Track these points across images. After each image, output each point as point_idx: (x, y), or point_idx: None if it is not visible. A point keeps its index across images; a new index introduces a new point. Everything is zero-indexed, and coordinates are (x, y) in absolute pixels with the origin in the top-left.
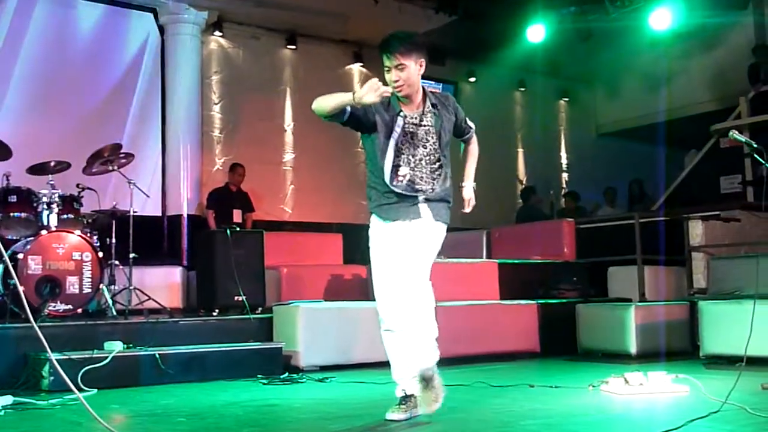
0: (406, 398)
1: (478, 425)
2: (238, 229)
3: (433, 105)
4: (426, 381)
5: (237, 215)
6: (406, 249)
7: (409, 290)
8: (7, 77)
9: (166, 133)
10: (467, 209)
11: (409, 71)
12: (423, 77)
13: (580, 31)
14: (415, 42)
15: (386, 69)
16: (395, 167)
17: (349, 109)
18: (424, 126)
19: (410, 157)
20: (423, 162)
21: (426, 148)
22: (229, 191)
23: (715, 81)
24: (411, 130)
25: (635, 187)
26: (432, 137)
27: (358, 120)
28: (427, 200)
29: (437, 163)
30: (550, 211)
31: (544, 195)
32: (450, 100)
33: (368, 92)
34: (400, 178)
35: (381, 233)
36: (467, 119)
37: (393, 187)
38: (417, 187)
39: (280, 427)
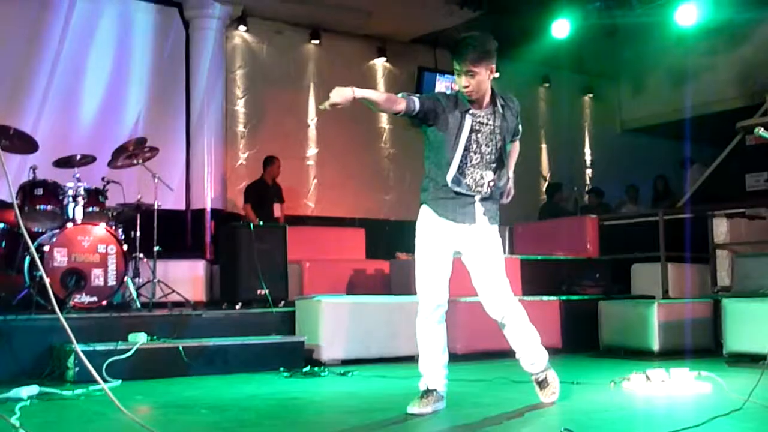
0: (428, 392)
1: (498, 420)
2: (261, 224)
3: (501, 106)
4: (540, 383)
5: (277, 209)
6: (471, 256)
7: (498, 301)
8: (34, 72)
9: (190, 127)
10: (506, 200)
11: (479, 78)
12: (446, 72)
13: (605, 26)
14: (487, 50)
15: (456, 72)
16: (459, 165)
17: (417, 104)
18: (490, 125)
19: (474, 155)
20: (484, 161)
21: (489, 147)
22: (265, 184)
23: (741, 77)
24: (477, 128)
25: (660, 183)
26: (496, 137)
27: (426, 114)
28: (482, 200)
29: (496, 163)
30: (575, 207)
31: (569, 192)
32: (515, 103)
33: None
34: (461, 177)
35: (432, 227)
36: (520, 123)
37: (452, 185)
38: (476, 187)
39: (301, 421)
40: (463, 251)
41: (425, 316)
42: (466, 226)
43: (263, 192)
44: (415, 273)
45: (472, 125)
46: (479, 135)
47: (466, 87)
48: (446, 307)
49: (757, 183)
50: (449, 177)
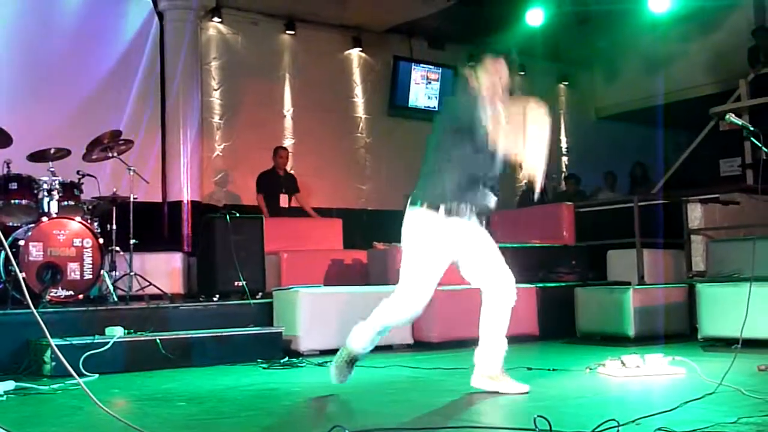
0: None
1: (474, 408)
2: (237, 215)
3: None
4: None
5: (284, 200)
6: (477, 246)
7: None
8: (5, 64)
9: (165, 119)
10: None
11: None
12: (421, 62)
13: (579, 14)
14: None
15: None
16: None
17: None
18: None
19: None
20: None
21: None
22: (276, 175)
23: (714, 63)
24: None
25: (638, 170)
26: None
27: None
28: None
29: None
30: (553, 196)
31: (548, 180)
32: None
33: None
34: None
35: (441, 233)
36: None
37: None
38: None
39: (278, 411)
40: (466, 247)
41: (405, 321)
42: (467, 222)
43: (273, 182)
44: (408, 272)
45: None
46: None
47: None
48: None
49: (731, 168)
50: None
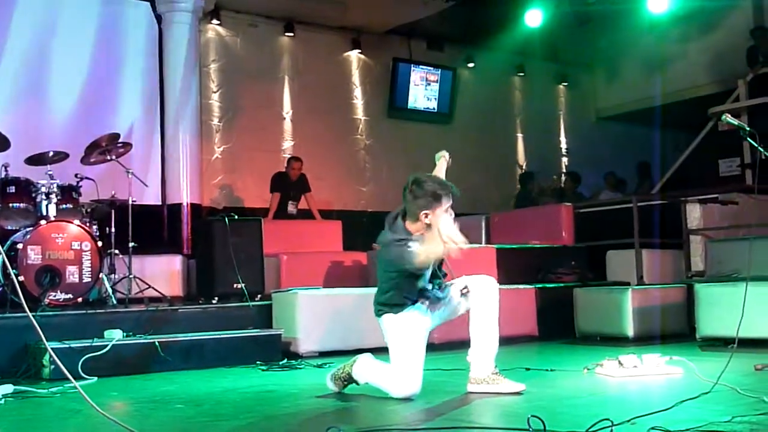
0: None
1: (472, 408)
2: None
3: None
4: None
5: (291, 206)
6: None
7: None
8: (3, 67)
9: (165, 122)
10: None
11: None
12: (420, 63)
13: (578, 15)
14: None
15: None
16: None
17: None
18: None
19: None
20: None
21: None
22: (289, 177)
23: (713, 64)
24: None
25: (644, 170)
26: None
27: None
28: None
29: None
30: (555, 197)
31: (548, 182)
32: None
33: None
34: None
35: (422, 321)
36: None
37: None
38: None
39: (277, 413)
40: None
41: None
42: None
43: (285, 184)
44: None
45: None
46: None
47: None
48: None
49: (729, 168)
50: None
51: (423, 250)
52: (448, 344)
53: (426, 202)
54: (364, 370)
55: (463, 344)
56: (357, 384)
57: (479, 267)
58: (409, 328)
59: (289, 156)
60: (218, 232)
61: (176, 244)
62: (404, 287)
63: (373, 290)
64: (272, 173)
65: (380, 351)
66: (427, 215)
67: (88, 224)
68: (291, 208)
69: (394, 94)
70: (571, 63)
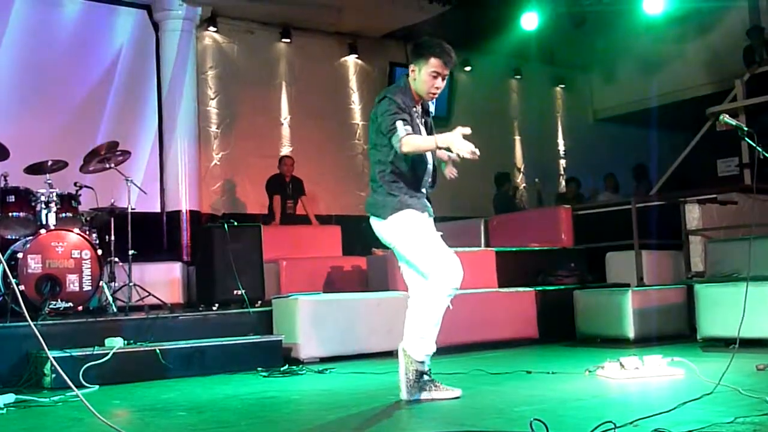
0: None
1: (473, 412)
2: (235, 223)
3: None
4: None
5: (289, 206)
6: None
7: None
8: (1, 77)
9: (163, 129)
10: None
11: None
12: None
13: (574, 17)
14: None
15: (434, 74)
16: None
17: (406, 129)
18: (423, 119)
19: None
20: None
21: None
22: (283, 177)
23: (710, 64)
24: (421, 124)
25: (640, 172)
26: (428, 130)
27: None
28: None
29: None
30: (537, 200)
31: (531, 183)
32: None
33: (463, 149)
34: (428, 178)
35: (423, 221)
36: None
37: (423, 188)
38: (426, 183)
39: (278, 419)
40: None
41: (445, 292)
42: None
43: (282, 186)
44: (420, 256)
45: (415, 120)
46: (419, 129)
47: (438, 89)
48: None
49: (728, 168)
50: (422, 181)
51: (408, 139)
52: (447, 348)
53: (414, 56)
54: (409, 335)
55: (461, 349)
56: (429, 367)
57: (479, 270)
58: (419, 222)
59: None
60: (218, 238)
61: (176, 251)
62: (407, 172)
63: (374, 295)
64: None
65: (381, 356)
66: (413, 71)
67: (87, 232)
68: (289, 208)
69: None
70: (568, 65)
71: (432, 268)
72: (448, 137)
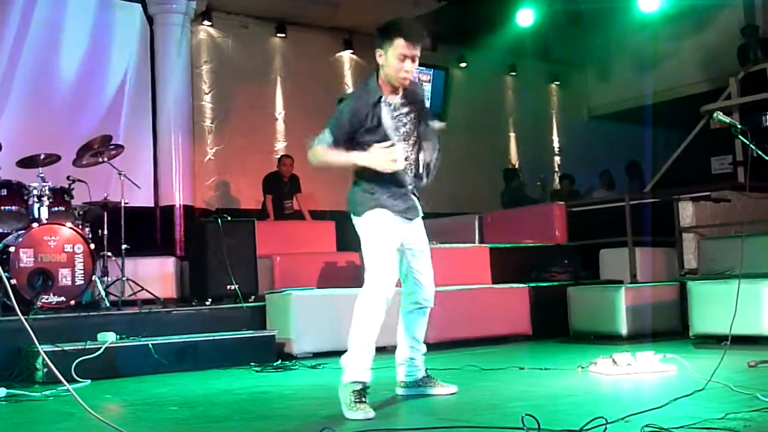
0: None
1: (466, 407)
2: (228, 218)
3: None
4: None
5: (287, 206)
6: (420, 243)
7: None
8: None
9: (157, 123)
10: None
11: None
12: None
13: (570, 14)
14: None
15: (402, 56)
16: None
17: (330, 135)
18: (406, 107)
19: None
20: (411, 147)
21: (411, 134)
22: (282, 176)
23: (705, 62)
24: (397, 114)
25: (633, 169)
26: (413, 121)
27: (349, 132)
28: (414, 189)
29: (418, 147)
30: (543, 194)
31: (534, 179)
32: (421, 88)
33: (386, 166)
34: (403, 171)
35: (392, 224)
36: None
37: (397, 181)
38: (410, 178)
39: (270, 414)
40: (407, 242)
41: (376, 298)
42: (410, 222)
43: (278, 185)
44: (368, 256)
45: (392, 113)
46: (400, 121)
47: (408, 72)
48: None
49: (722, 166)
50: (410, 173)
51: (317, 150)
52: (442, 344)
53: (379, 39)
54: (351, 344)
55: (456, 344)
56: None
57: (472, 266)
58: (383, 225)
59: (281, 155)
60: (211, 233)
61: (169, 246)
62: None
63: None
64: (265, 174)
65: (376, 351)
66: (380, 56)
67: (80, 227)
68: (287, 207)
69: None
70: (563, 62)
71: (370, 270)
72: (366, 157)
